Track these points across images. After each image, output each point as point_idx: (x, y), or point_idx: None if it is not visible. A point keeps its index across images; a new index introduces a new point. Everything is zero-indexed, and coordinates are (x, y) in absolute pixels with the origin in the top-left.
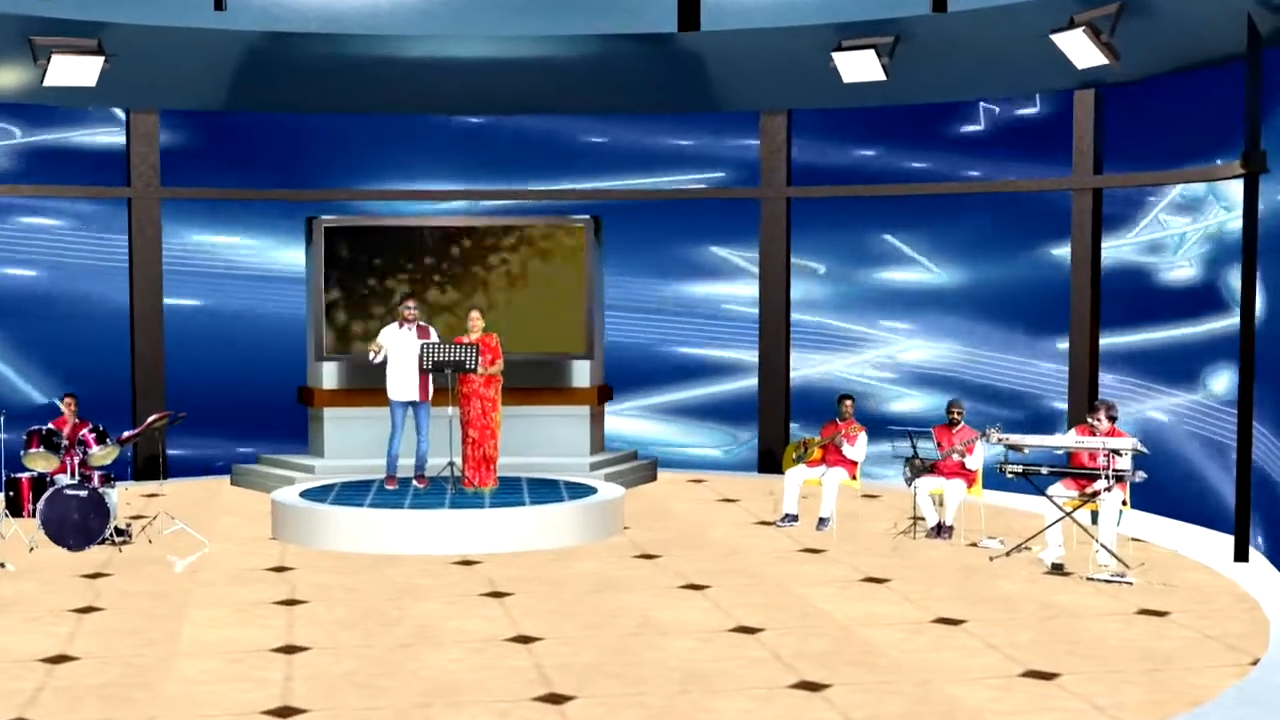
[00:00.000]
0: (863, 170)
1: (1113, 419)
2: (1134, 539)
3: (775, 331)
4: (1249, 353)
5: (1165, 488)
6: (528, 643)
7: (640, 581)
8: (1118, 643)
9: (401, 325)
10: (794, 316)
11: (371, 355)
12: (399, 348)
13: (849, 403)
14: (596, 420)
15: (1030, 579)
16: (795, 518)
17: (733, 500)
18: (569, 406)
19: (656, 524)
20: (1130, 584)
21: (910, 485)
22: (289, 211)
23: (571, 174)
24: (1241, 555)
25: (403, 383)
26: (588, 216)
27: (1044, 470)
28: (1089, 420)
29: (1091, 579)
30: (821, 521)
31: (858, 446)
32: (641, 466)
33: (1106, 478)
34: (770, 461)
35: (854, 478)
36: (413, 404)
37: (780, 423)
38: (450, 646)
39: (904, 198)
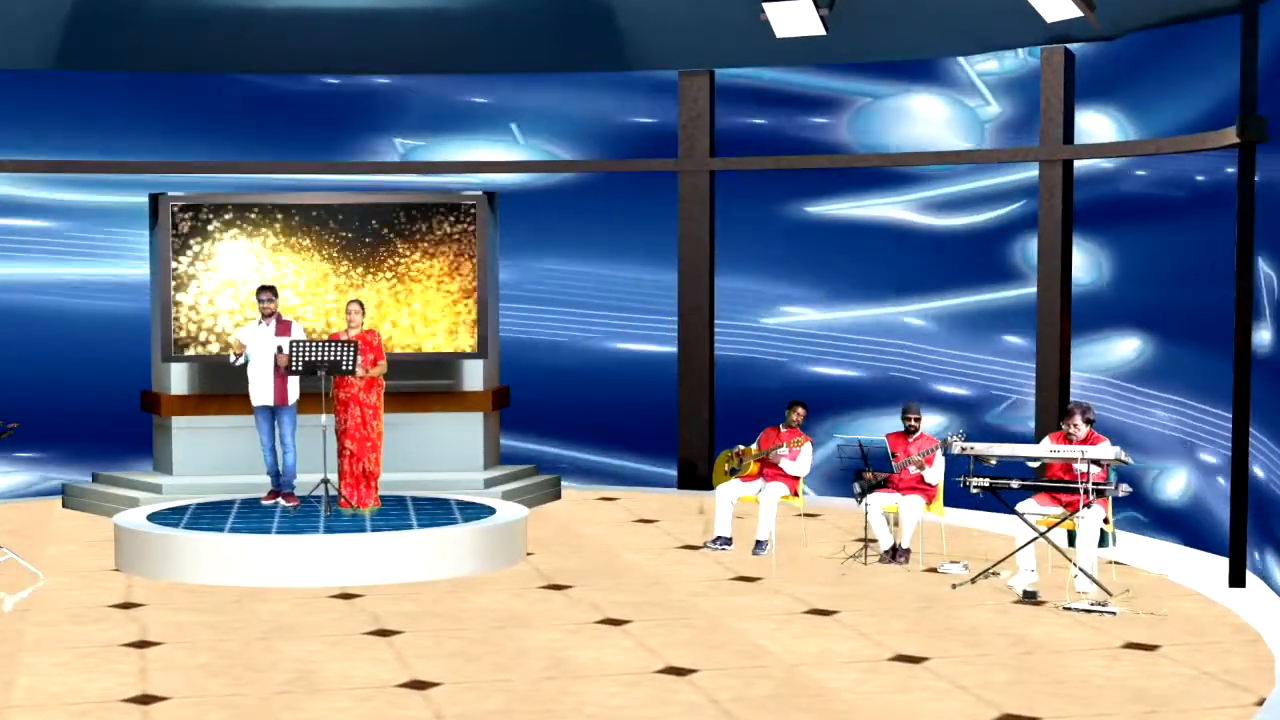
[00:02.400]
0: (796, 139)
1: (1090, 423)
2: (1114, 562)
3: (696, 323)
4: (1244, 348)
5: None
6: (423, 688)
7: (550, 616)
8: (1104, 682)
9: (261, 321)
10: (720, 306)
11: (233, 357)
12: (256, 346)
13: (800, 410)
14: (491, 429)
15: (999, 609)
16: (728, 540)
17: (651, 521)
18: (460, 413)
19: (564, 549)
20: (1113, 614)
21: (860, 502)
22: (131, 186)
23: (461, 143)
24: (1237, 580)
25: (258, 386)
26: (480, 192)
27: (1014, 484)
28: (1063, 426)
29: (1069, 609)
30: (758, 544)
31: (800, 461)
32: (544, 483)
33: (1085, 492)
34: (691, 475)
35: (795, 494)
36: (272, 410)
37: (704, 428)
38: (334, 694)
39: (846, 170)
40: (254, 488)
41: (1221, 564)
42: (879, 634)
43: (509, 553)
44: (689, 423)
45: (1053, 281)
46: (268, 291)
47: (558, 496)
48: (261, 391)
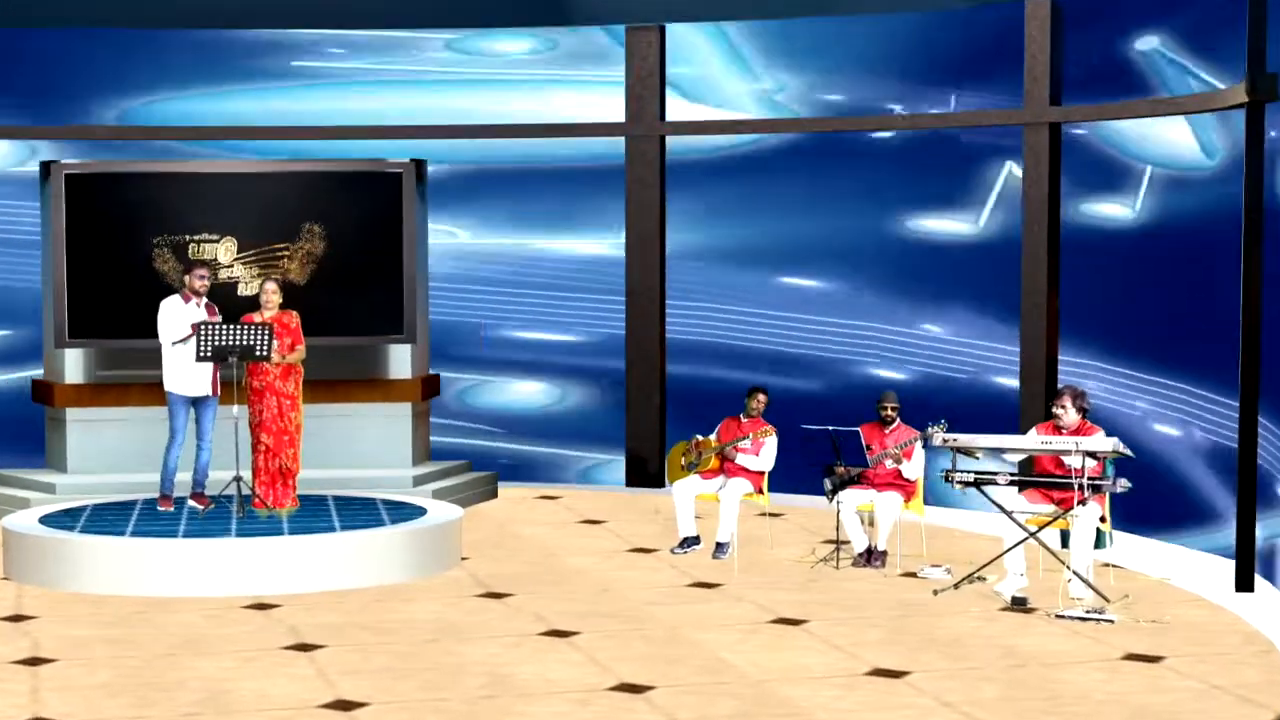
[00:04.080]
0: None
1: (1083, 411)
2: (1108, 564)
3: (645, 304)
4: (1253, 327)
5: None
6: (349, 709)
7: (489, 628)
8: (1104, 697)
9: (189, 300)
10: (672, 285)
11: (179, 338)
12: (183, 329)
13: (760, 397)
14: (421, 421)
15: (986, 617)
16: (696, 540)
17: (598, 521)
18: (386, 404)
19: (503, 553)
20: (1111, 622)
21: (832, 500)
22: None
23: (386, 106)
24: (1245, 584)
25: (190, 372)
26: (407, 160)
27: (1001, 480)
28: (1054, 413)
29: (1062, 616)
30: (719, 547)
31: (765, 455)
32: (479, 480)
33: (1080, 488)
34: (641, 470)
35: (760, 491)
36: (198, 401)
37: (653, 420)
38: (249, 715)
39: (810, 136)
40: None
41: (1228, 566)
42: (854, 645)
43: (442, 557)
44: (637, 414)
45: (1038, 254)
46: (204, 267)
47: (494, 495)
48: (194, 379)
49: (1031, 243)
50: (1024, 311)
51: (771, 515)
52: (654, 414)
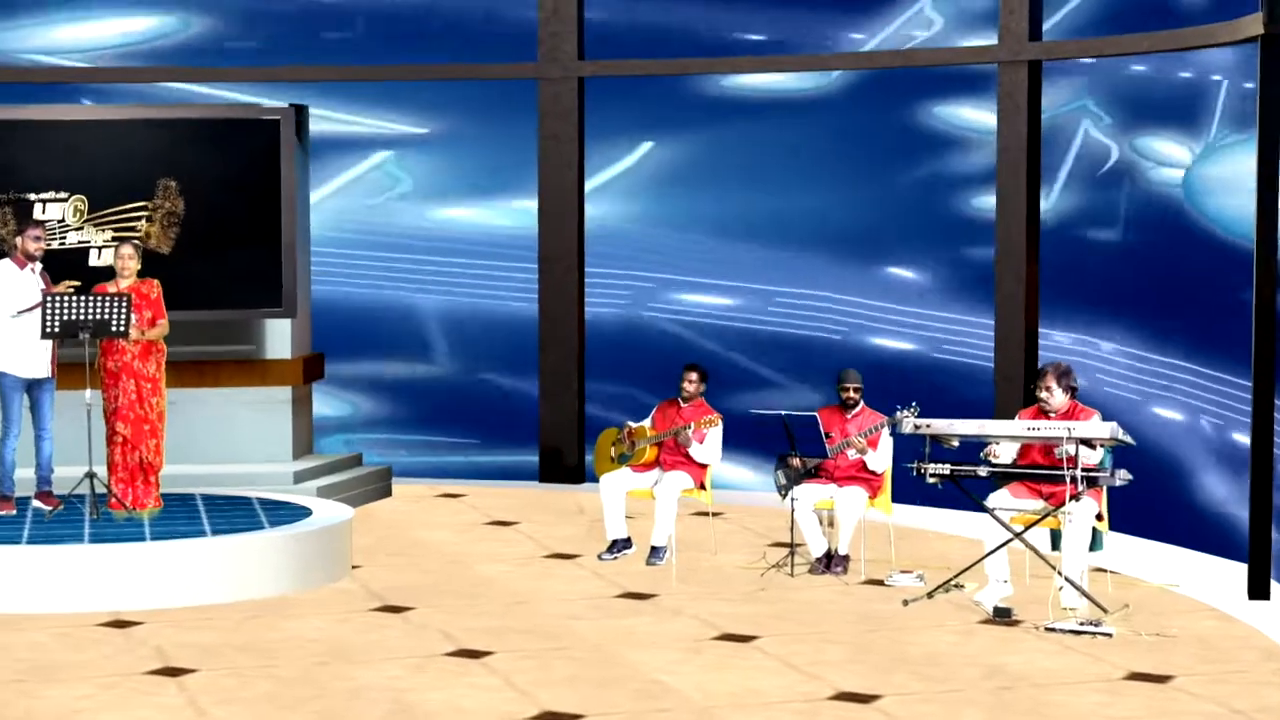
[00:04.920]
0: (687, 39)
1: (1071, 391)
2: (1101, 569)
3: (561, 271)
4: (1268, 299)
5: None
6: None
7: (387, 647)
8: None
9: (23, 265)
10: (590, 251)
11: (23, 309)
12: (19, 298)
13: (693, 376)
14: (302, 408)
15: (964, 631)
16: (628, 543)
17: (508, 523)
18: (261, 388)
19: (400, 560)
20: (1109, 635)
21: (786, 496)
22: None
23: (266, 47)
24: (1259, 591)
25: (27, 351)
26: (286, 105)
27: (981, 472)
28: (1038, 396)
29: (1053, 629)
30: (654, 551)
31: (709, 444)
32: (369, 475)
33: (1072, 482)
34: (555, 465)
35: (702, 486)
36: (34, 384)
37: (570, 406)
38: None
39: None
40: None
41: (1239, 571)
42: (812, 665)
43: (329, 566)
44: (553, 399)
45: (1015, 214)
46: (39, 227)
47: (388, 493)
48: (31, 359)
49: (1007, 198)
50: (999, 279)
51: (715, 515)
52: (572, 399)
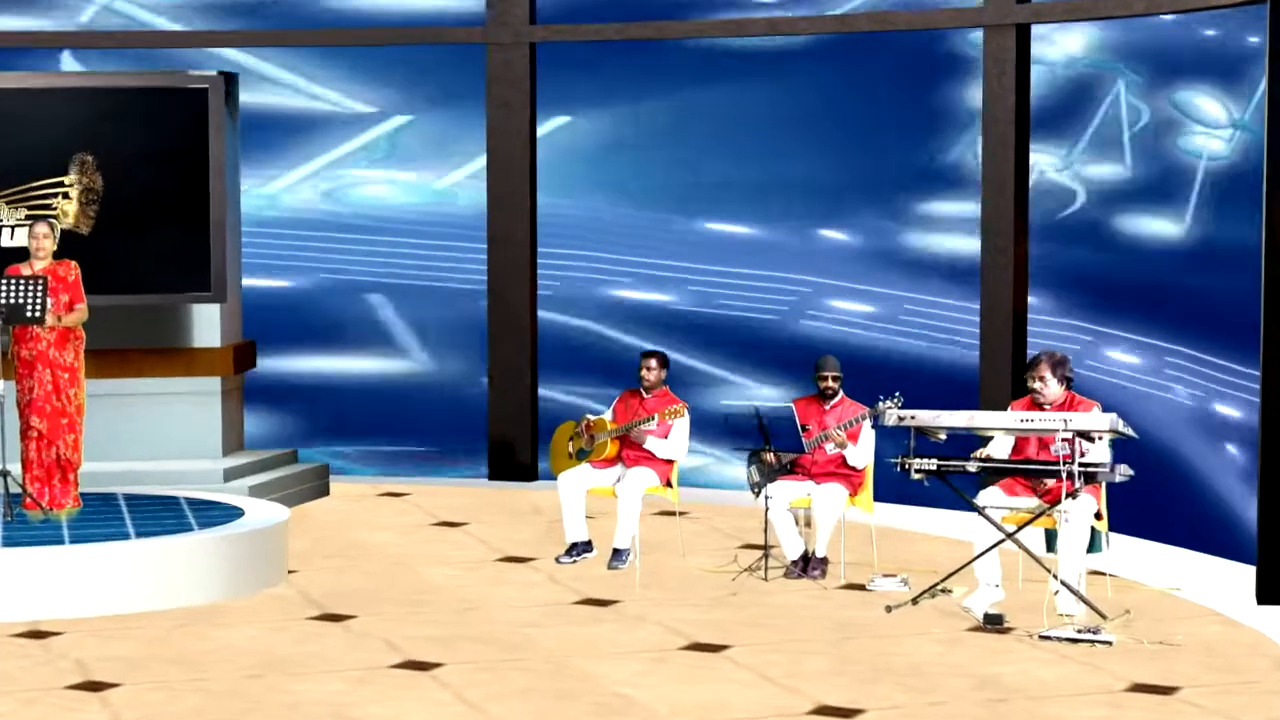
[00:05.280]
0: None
1: (1067, 381)
2: (1099, 572)
3: (512, 252)
4: (1278, 276)
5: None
6: None
7: (327, 659)
8: None
9: None
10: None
11: None
12: None
13: (652, 364)
14: (233, 400)
15: (952, 639)
16: (588, 545)
17: (457, 524)
18: (189, 379)
19: (340, 564)
20: (1108, 644)
21: (759, 495)
22: None
23: (190, 8)
24: (1269, 595)
25: None
26: (215, 73)
27: (971, 467)
28: (1031, 387)
29: (1047, 637)
30: (616, 554)
31: (674, 439)
32: (306, 473)
33: (1069, 477)
34: (507, 461)
35: (668, 484)
36: None
37: (522, 399)
38: None
39: (718, 43)
40: None
41: (1247, 574)
42: (789, 677)
43: (264, 570)
44: (503, 392)
45: (1002, 188)
46: None
47: (326, 492)
48: None
49: (993, 172)
50: (984, 259)
51: (682, 514)
52: (524, 390)
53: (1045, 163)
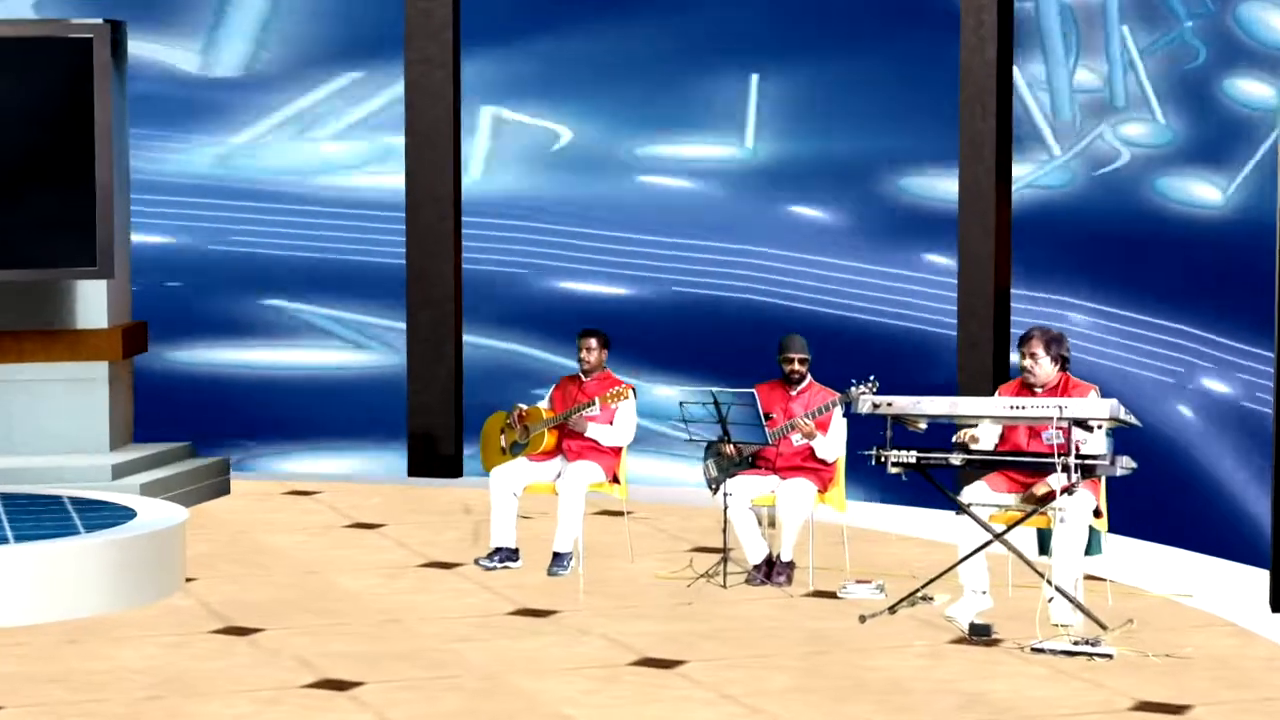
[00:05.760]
0: None
1: (1062, 361)
2: (1093, 577)
3: (433, 219)
4: None
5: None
6: None
7: (233, 678)
8: None
9: None
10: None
11: None
12: None
13: (592, 343)
14: (122, 388)
15: (934, 653)
16: (513, 554)
17: (373, 525)
18: (72, 364)
19: (244, 571)
20: (1109, 657)
21: (717, 491)
22: None
23: None
24: None
25: None
26: (100, 21)
27: (955, 460)
28: (1022, 366)
29: (1041, 650)
30: (557, 559)
31: (620, 425)
32: (204, 469)
33: (1065, 471)
34: (430, 455)
35: (615, 479)
36: None
37: (444, 383)
38: None
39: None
40: None
41: (1260, 578)
42: (751, 695)
43: (159, 578)
44: (423, 376)
45: (982, 152)
46: None
47: (227, 490)
48: None
49: (972, 135)
50: (962, 225)
51: (630, 514)
52: (448, 375)
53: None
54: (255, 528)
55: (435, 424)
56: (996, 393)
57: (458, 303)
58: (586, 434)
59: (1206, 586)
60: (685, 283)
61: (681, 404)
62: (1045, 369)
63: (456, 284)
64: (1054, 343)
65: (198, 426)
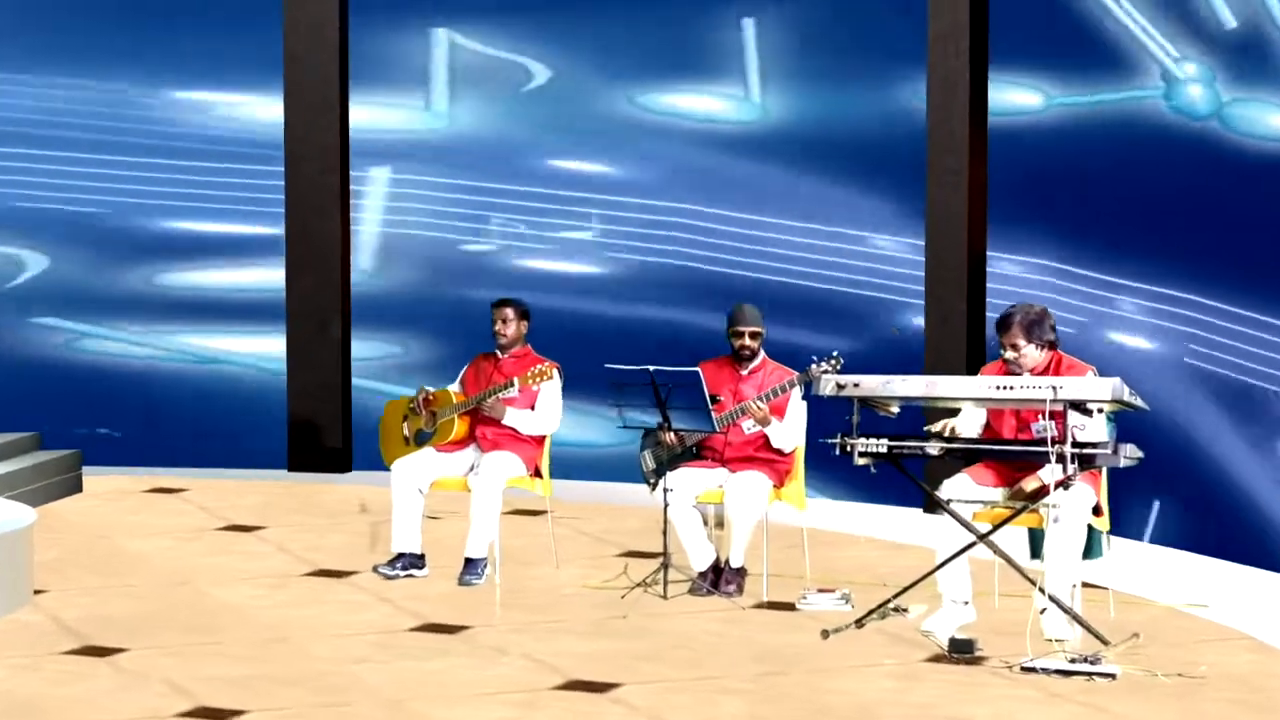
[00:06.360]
0: None
1: (1049, 344)
2: (1097, 586)
3: (314, 174)
4: None
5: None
6: None
7: (93, 704)
8: None
9: None
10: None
11: None
12: None
13: (508, 313)
14: None
15: (908, 673)
16: (418, 560)
17: (250, 528)
18: None
19: (103, 582)
20: (1112, 677)
21: (656, 487)
22: None
23: None
24: None
25: None
26: None
27: (932, 450)
28: (1004, 358)
29: (1032, 669)
30: (470, 566)
31: (544, 410)
32: (52, 463)
33: (1060, 461)
34: (314, 447)
35: (538, 473)
36: None
37: (329, 363)
38: None
39: None
40: None
41: (1277, 583)
42: None
43: (3, 590)
44: (303, 355)
45: (954, 97)
46: None
47: (79, 488)
48: None
49: (942, 77)
50: (931, 185)
51: (554, 512)
52: (333, 355)
53: None
54: (113, 531)
55: (319, 410)
56: (980, 372)
57: (344, 268)
58: (504, 420)
59: (1222, 595)
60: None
61: (613, 384)
62: (1032, 355)
63: (344, 245)
64: (1035, 325)
65: (45, 414)
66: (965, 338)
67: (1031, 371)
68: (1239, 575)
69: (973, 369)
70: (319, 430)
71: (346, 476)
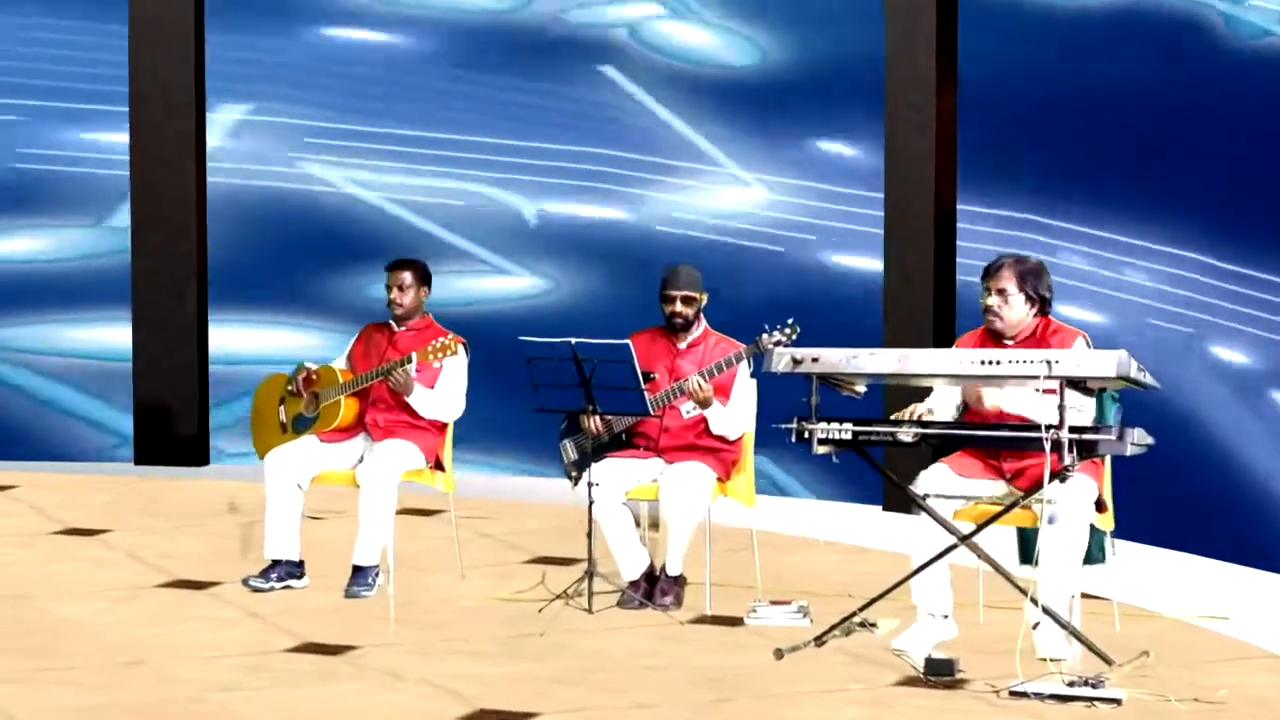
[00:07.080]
0: None
1: (1042, 301)
2: (1097, 596)
3: (161, 114)
4: None
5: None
6: None
7: None
8: None
9: None
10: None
11: None
12: None
13: (405, 278)
14: None
15: (876, 699)
16: (296, 568)
17: (94, 531)
18: None
19: None
20: (1117, 702)
21: (578, 481)
22: None
23: None
24: None
25: None
26: None
27: (904, 436)
28: (984, 305)
29: (1022, 693)
30: (357, 574)
31: (445, 390)
32: None
33: (1056, 449)
34: (165, 436)
35: (438, 465)
36: None
37: (183, 336)
38: None
39: None
40: None
41: None
42: None
43: None
44: (152, 326)
45: (911, 34)
46: None
47: None
48: None
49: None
50: (889, 121)
51: (465, 515)
52: (188, 325)
53: None
54: None
55: (171, 394)
56: (955, 344)
57: (200, 220)
58: (411, 398)
59: (1243, 606)
60: None
61: (529, 360)
62: (1017, 310)
63: (198, 194)
64: (1030, 275)
65: None
66: (932, 303)
67: (1015, 336)
68: (1262, 583)
69: (942, 341)
70: (170, 416)
71: (204, 470)
